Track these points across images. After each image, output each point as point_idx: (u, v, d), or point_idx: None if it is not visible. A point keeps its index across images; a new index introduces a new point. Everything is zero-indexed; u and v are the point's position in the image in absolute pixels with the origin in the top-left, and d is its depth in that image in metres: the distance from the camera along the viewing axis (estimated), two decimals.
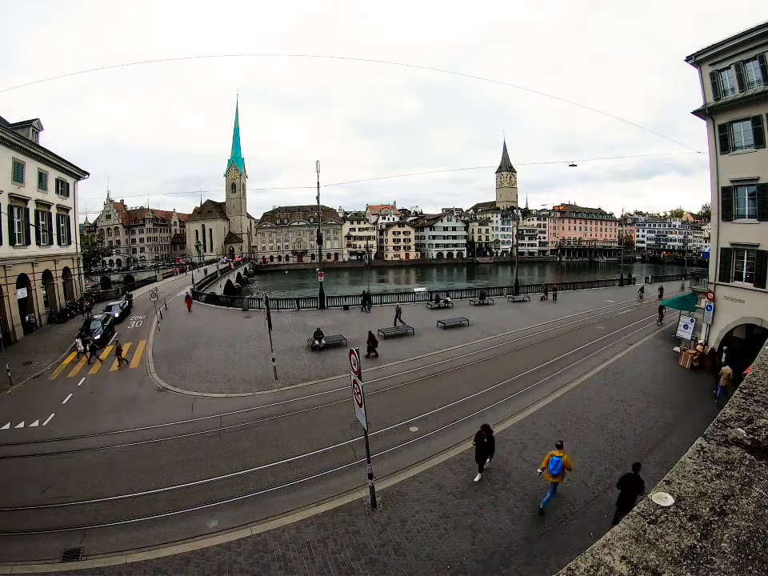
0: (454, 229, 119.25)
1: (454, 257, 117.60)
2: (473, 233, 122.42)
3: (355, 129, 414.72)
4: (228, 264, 74.61)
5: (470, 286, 55.14)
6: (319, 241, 35.97)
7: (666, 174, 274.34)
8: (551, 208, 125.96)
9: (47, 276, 28.74)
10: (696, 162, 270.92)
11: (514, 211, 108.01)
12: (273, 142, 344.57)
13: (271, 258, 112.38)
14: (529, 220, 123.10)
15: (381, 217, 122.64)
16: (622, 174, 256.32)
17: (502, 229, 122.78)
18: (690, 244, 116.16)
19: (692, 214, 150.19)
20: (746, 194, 16.62)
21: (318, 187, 29.68)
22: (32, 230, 26.22)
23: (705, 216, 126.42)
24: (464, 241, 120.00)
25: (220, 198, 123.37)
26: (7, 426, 13.57)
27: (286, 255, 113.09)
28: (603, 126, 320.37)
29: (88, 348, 20.42)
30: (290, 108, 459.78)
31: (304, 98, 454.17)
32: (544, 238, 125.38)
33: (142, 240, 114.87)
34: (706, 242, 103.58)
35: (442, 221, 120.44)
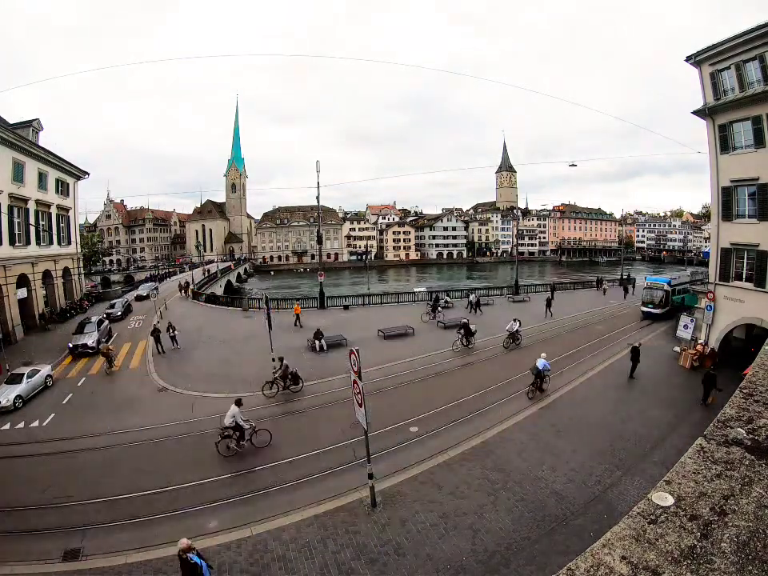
0: (454, 229, 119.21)
1: (454, 257, 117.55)
2: (473, 233, 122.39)
3: (352, 136, 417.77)
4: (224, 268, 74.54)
5: (471, 286, 55.09)
6: (319, 241, 35.98)
7: (644, 175, 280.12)
8: (551, 208, 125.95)
9: (47, 276, 28.72)
10: (673, 165, 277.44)
11: (514, 211, 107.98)
12: (272, 146, 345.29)
13: (271, 258, 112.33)
14: (529, 220, 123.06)
15: (381, 217, 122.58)
16: (605, 176, 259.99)
17: (502, 229, 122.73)
18: (689, 244, 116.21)
19: (692, 214, 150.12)
20: (746, 194, 16.61)
21: (318, 187, 29.69)
22: (32, 229, 26.20)
23: (705, 216, 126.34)
24: (464, 241, 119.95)
25: (220, 198, 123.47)
26: (7, 426, 13.59)
27: (286, 255, 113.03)
28: (574, 130, 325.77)
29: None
30: (289, 115, 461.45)
31: (303, 106, 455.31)
32: (544, 237, 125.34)
33: (141, 240, 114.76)
34: (705, 242, 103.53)
35: (441, 221, 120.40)
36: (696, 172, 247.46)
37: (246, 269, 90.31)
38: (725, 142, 17.00)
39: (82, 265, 36.73)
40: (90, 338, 21.45)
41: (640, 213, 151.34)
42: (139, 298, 35.97)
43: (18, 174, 24.94)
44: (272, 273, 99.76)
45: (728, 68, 16.51)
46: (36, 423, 13.70)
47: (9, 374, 16.03)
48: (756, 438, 1.63)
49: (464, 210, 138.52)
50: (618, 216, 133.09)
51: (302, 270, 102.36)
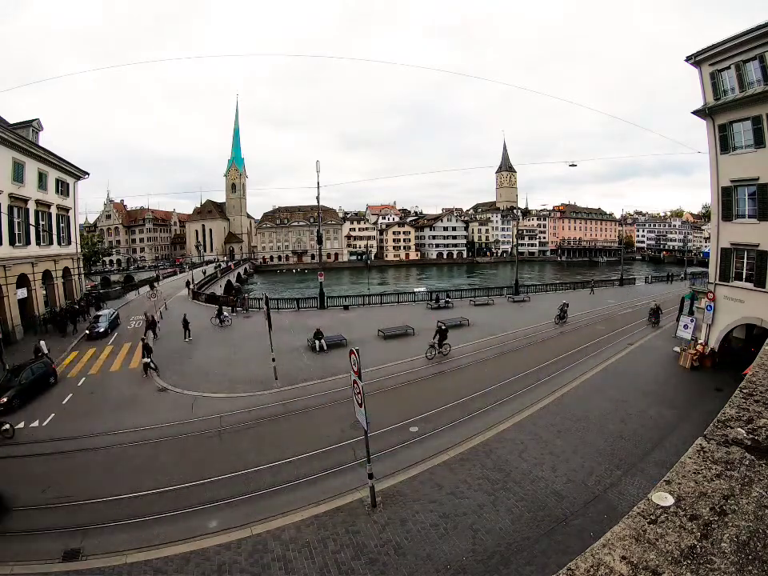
0: (454, 229, 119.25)
1: (454, 257, 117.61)
2: (473, 233, 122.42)
3: (352, 138, 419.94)
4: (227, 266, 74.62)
5: (471, 285, 55.11)
6: (319, 241, 36.01)
7: (635, 176, 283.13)
8: (551, 208, 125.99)
9: (47, 276, 28.70)
10: (662, 165, 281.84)
11: (514, 211, 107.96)
12: (271, 148, 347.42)
13: (271, 257, 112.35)
14: (529, 220, 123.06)
15: (381, 217, 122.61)
16: (597, 177, 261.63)
17: (502, 229, 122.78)
18: (689, 244, 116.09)
19: (692, 214, 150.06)
20: (746, 194, 16.60)
21: (318, 187, 29.74)
22: (32, 229, 26.18)
23: (705, 216, 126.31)
24: (464, 241, 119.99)
25: (220, 198, 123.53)
26: (7, 427, 13.55)
27: (286, 255, 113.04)
28: (563, 134, 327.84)
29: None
30: (289, 118, 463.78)
31: (303, 109, 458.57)
32: (544, 237, 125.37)
33: (141, 240, 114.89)
34: (705, 242, 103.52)
35: (442, 221, 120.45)
36: (686, 172, 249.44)
37: (246, 269, 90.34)
38: (725, 142, 16.99)
39: (81, 265, 36.72)
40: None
41: (640, 213, 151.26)
42: (94, 337, 23.95)
43: (18, 174, 24.91)
44: (294, 271, 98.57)
45: (728, 68, 16.50)
46: (36, 423, 13.70)
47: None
48: (756, 437, 1.63)
49: (464, 210, 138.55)
50: (617, 216, 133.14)
51: (295, 270, 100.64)
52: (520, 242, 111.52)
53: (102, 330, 24.59)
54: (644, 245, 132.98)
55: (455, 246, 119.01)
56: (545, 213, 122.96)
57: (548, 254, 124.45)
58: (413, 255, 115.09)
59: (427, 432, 12.41)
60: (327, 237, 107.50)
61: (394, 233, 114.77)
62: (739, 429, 1.69)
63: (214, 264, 71.76)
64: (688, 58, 17.73)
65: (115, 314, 28.07)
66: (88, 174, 33.74)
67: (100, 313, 27.44)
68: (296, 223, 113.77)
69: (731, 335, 18.19)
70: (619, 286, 46.28)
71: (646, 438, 11.86)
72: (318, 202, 31.67)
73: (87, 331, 24.55)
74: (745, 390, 1.98)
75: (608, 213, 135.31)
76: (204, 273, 52.31)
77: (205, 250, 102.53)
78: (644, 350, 20.82)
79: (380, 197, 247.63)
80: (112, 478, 10.50)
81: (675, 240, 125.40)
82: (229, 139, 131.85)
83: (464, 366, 18.28)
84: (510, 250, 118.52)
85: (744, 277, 17.03)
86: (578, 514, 8.73)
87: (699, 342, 18.78)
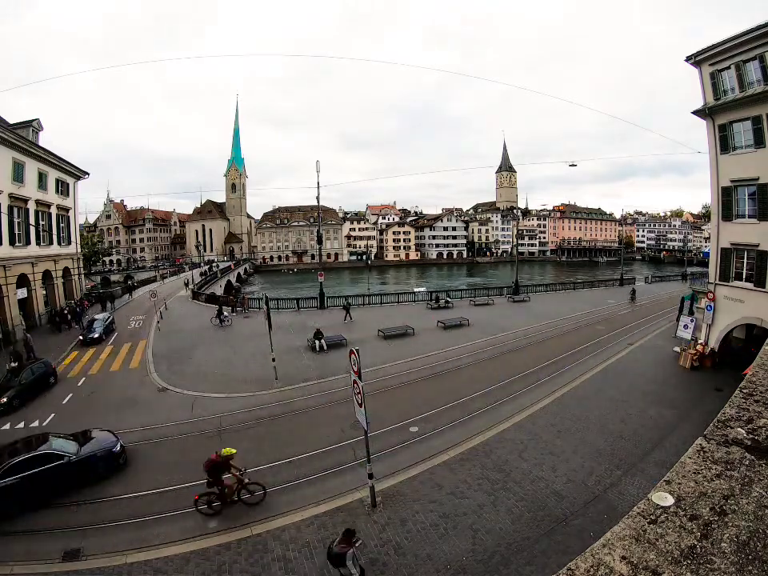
0: (454, 229, 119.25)
1: (454, 257, 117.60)
2: (473, 233, 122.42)
3: (352, 139, 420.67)
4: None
5: (471, 285, 55.09)
6: (319, 241, 36.00)
7: (633, 177, 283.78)
8: (551, 208, 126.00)
9: (47, 276, 28.71)
10: (661, 165, 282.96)
11: (514, 211, 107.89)
12: (271, 148, 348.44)
13: (271, 257, 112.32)
14: (529, 220, 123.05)
15: (381, 217, 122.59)
16: (596, 177, 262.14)
17: (502, 229, 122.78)
18: (689, 244, 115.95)
19: (692, 214, 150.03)
20: (746, 194, 16.60)
21: (318, 187, 29.73)
22: (32, 229, 26.18)
23: (705, 216, 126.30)
24: (464, 241, 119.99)
25: (220, 198, 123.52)
26: (7, 426, 13.57)
27: (286, 255, 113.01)
28: (562, 134, 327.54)
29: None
30: (289, 119, 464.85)
31: (303, 109, 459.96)
32: (544, 237, 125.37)
33: (141, 240, 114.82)
34: (705, 242, 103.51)
35: (441, 221, 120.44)
36: (685, 173, 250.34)
37: (246, 269, 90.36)
38: (725, 142, 16.99)
39: (81, 265, 36.72)
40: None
41: (640, 213, 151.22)
42: (88, 342, 22.87)
43: (18, 174, 24.91)
44: (293, 270, 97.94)
45: (728, 68, 16.50)
46: (36, 423, 13.68)
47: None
48: (756, 437, 1.63)
49: (464, 210, 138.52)
50: (617, 216, 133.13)
51: (293, 270, 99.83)
52: (520, 242, 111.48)
53: (96, 335, 23.27)
54: (644, 245, 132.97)
55: (455, 246, 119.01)
56: (545, 213, 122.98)
57: (548, 254, 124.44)
58: (413, 255, 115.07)
59: (427, 432, 12.41)
60: (327, 237, 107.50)
61: (393, 233, 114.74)
62: (739, 429, 1.69)
63: (209, 266, 69.64)
64: (688, 58, 17.73)
65: (110, 318, 26.59)
66: (88, 174, 33.74)
67: (95, 317, 25.84)
68: (296, 223, 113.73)
69: (731, 335, 18.19)
70: (619, 286, 46.25)
71: (646, 438, 11.86)
72: (318, 202, 31.67)
73: (81, 337, 23.25)
74: (745, 390, 1.98)
75: (608, 213, 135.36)
76: (186, 282, 44.20)
77: (205, 250, 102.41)
78: (644, 349, 20.82)
79: (380, 197, 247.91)
80: (111, 477, 10.49)
81: (675, 240, 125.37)
82: (229, 139, 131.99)
83: (464, 366, 18.27)
84: (510, 249, 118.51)
85: (744, 277, 17.03)
86: (578, 514, 8.74)
87: (699, 342, 18.78)
